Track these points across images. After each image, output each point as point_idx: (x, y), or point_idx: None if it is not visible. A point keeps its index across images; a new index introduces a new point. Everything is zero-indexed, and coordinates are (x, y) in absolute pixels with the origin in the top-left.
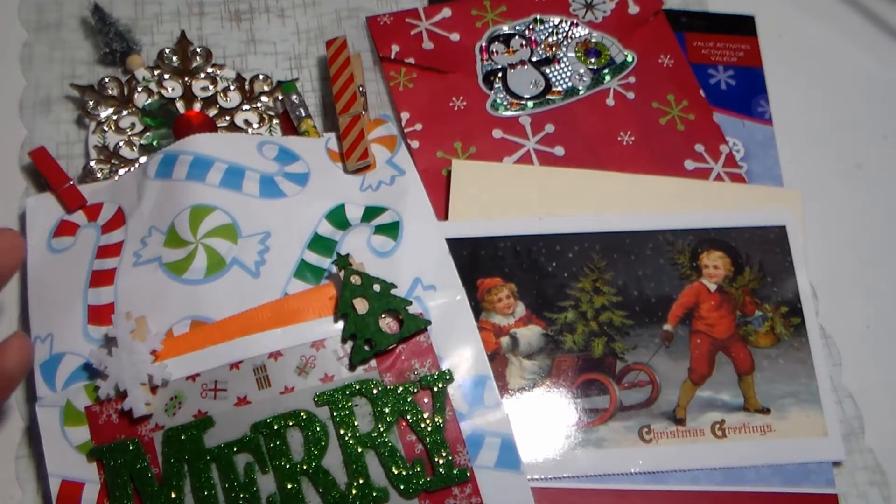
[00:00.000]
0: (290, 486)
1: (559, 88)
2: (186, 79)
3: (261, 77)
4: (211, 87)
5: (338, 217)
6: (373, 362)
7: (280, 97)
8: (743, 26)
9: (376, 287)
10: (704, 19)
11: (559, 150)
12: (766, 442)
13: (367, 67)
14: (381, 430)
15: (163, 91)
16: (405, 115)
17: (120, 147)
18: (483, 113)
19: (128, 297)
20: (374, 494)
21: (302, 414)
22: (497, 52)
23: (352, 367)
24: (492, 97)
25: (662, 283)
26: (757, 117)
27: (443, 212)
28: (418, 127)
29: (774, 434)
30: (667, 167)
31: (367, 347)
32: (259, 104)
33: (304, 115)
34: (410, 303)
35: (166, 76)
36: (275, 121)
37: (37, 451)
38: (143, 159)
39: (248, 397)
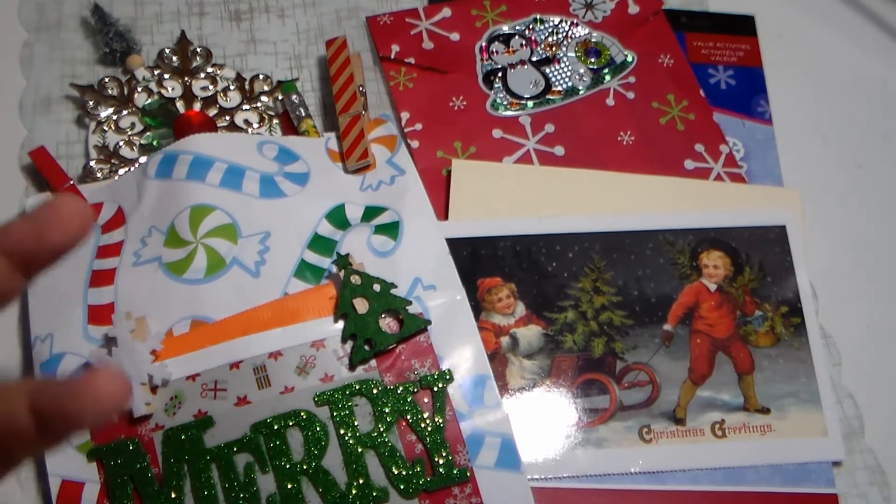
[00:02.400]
0: (290, 486)
1: (559, 88)
2: (186, 79)
3: (261, 77)
4: (211, 87)
5: (338, 217)
6: (373, 362)
7: (280, 97)
8: (743, 26)
9: (376, 287)
10: (704, 19)
11: (559, 150)
12: (766, 442)
13: (367, 67)
14: (381, 430)
15: (163, 91)
16: (405, 115)
17: (120, 147)
18: (483, 113)
19: (128, 297)
20: (374, 494)
21: (302, 414)
22: (497, 52)
23: (352, 367)
24: (492, 97)
25: (662, 283)
26: (757, 117)
27: (443, 212)
28: (418, 127)
29: (774, 434)
30: (667, 167)
31: (367, 347)
32: (259, 104)
33: (304, 115)
34: (410, 303)
35: (166, 76)
36: (275, 121)
37: None
38: (143, 159)
39: (248, 397)
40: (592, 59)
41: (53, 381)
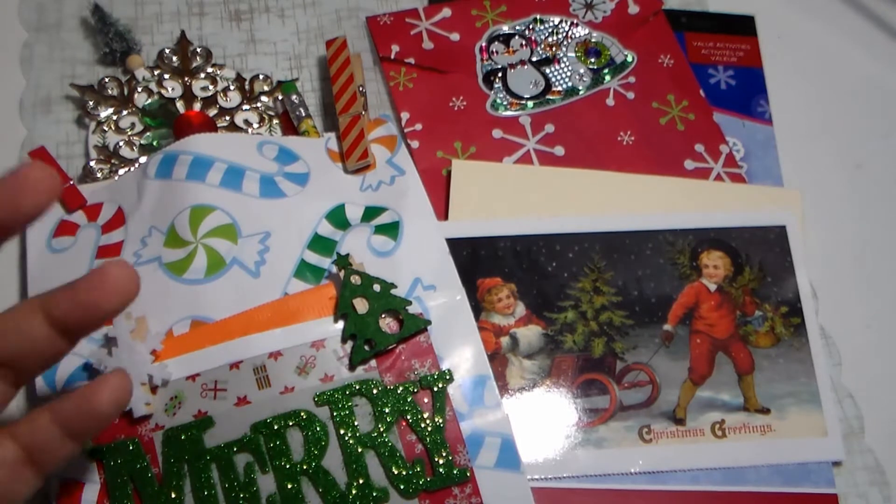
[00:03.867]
0: (290, 486)
1: (559, 88)
2: (186, 79)
3: (261, 77)
4: (211, 87)
5: (338, 217)
6: (373, 362)
7: (280, 97)
8: (743, 26)
9: (376, 287)
10: (704, 19)
11: (559, 150)
12: (766, 442)
13: (367, 67)
14: (381, 430)
15: (163, 91)
16: (405, 115)
17: (120, 147)
18: (483, 113)
19: None
20: (374, 494)
21: (302, 414)
22: (497, 52)
23: (352, 367)
24: (492, 97)
25: (662, 283)
26: (757, 117)
27: (443, 212)
28: (418, 127)
29: (774, 434)
30: (667, 167)
31: (367, 347)
32: (259, 104)
33: (304, 115)
34: (410, 303)
35: (166, 76)
36: (275, 121)
37: None
38: (143, 159)
39: (248, 397)
40: (592, 60)
41: (67, 397)
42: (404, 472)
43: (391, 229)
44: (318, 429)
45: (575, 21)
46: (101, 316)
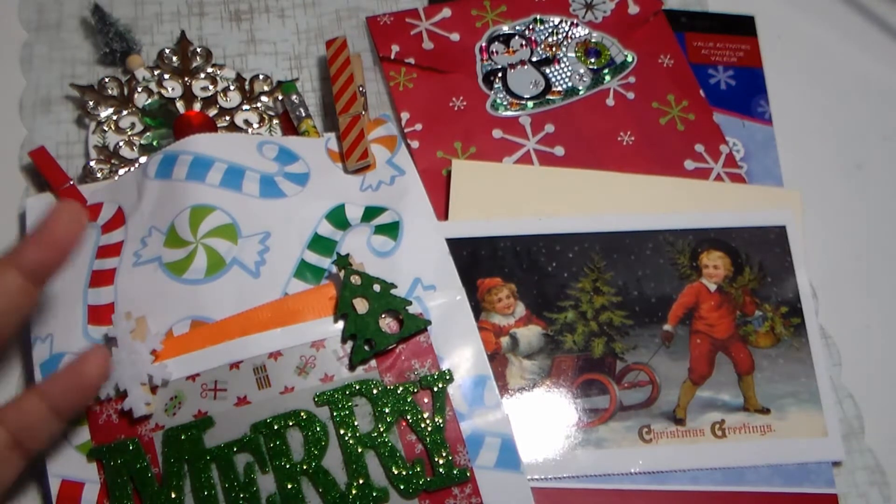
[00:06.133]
0: (290, 486)
1: (559, 88)
2: (186, 79)
3: (261, 77)
4: (211, 87)
5: (338, 217)
6: (373, 362)
7: (280, 97)
8: (743, 26)
9: (376, 287)
10: (704, 19)
11: (559, 150)
12: (766, 442)
13: (367, 67)
14: (381, 430)
15: (163, 91)
16: (405, 115)
17: (120, 147)
18: (483, 113)
19: (128, 297)
20: (374, 494)
21: (302, 414)
22: (497, 52)
23: (352, 367)
24: (492, 97)
25: (662, 283)
26: (757, 117)
27: (443, 212)
28: (418, 127)
29: (774, 434)
30: (667, 167)
31: (367, 347)
32: (259, 104)
33: (304, 115)
34: (410, 303)
35: (166, 76)
36: (275, 121)
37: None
38: (143, 159)
39: (248, 397)
40: (592, 60)
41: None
42: (404, 472)
43: (391, 229)
44: (318, 429)
45: (575, 21)
46: (61, 251)
